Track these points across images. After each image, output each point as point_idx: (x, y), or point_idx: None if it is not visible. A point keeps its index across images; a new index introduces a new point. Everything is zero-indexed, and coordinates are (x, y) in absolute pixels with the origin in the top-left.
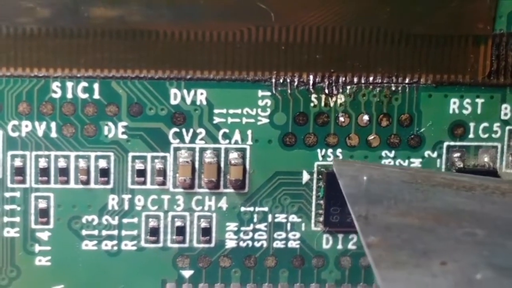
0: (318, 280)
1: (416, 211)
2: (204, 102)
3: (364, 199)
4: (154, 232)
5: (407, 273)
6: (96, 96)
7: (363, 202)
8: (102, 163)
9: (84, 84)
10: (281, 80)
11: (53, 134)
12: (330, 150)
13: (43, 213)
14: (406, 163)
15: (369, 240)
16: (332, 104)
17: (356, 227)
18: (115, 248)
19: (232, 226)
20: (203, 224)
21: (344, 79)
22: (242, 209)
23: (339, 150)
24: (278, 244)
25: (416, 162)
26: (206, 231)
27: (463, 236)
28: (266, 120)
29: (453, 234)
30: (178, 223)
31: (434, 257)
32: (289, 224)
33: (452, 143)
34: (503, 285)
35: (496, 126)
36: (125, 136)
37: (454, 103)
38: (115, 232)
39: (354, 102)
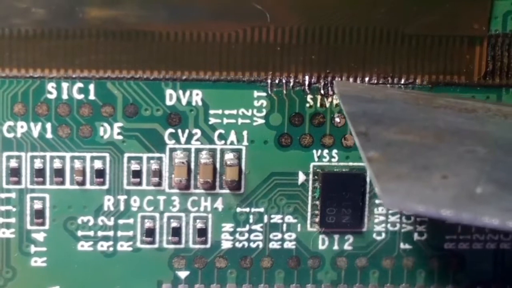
0: (314, 280)
1: (417, 130)
2: (200, 103)
3: (365, 118)
4: (149, 233)
5: (408, 185)
6: (92, 97)
7: (364, 120)
8: (98, 164)
9: (79, 85)
10: (276, 81)
11: (49, 135)
12: (326, 151)
13: (39, 214)
14: None
15: (369, 154)
16: (327, 105)
17: (357, 143)
18: (111, 249)
19: (228, 227)
20: (199, 225)
21: (340, 79)
22: (238, 210)
23: (335, 151)
24: (274, 245)
25: None
26: (202, 232)
27: (464, 153)
28: (261, 121)
29: (455, 150)
30: (174, 224)
31: (435, 171)
32: (285, 225)
33: None
34: (503, 198)
35: None
36: (120, 137)
37: None
38: (111, 233)
39: None
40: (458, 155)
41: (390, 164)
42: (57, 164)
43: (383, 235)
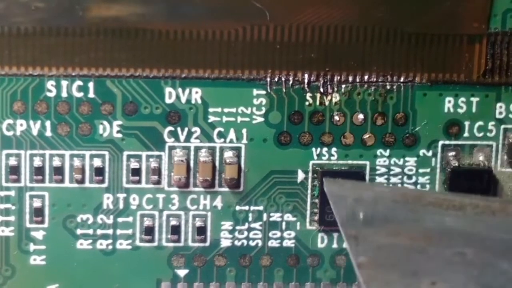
0: (313, 279)
1: (406, 231)
2: (199, 101)
3: (355, 220)
4: (149, 231)
5: None
6: (91, 95)
7: (354, 223)
8: (97, 162)
9: (79, 83)
10: (276, 79)
11: (48, 133)
12: (325, 149)
13: (38, 212)
14: (401, 162)
15: (359, 260)
16: (327, 103)
17: (347, 247)
18: (110, 247)
19: (227, 225)
20: (198, 223)
21: (339, 78)
22: (237, 208)
23: (334, 149)
24: (273, 243)
25: (411, 161)
26: (201, 230)
27: (453, 256)
28: (261, 119)
29: (443, 254)
30: (173, 222)
31: (424, 277)
32: (284, 223)
33: (447, 142)
34: None
35: (491, 125)
36: (120, 135)
37: (449, 101)
38: (110, 231)
39: (349, 101)
40: (447, 259)
41: (380, 270)
42: (56, 162)
43: None
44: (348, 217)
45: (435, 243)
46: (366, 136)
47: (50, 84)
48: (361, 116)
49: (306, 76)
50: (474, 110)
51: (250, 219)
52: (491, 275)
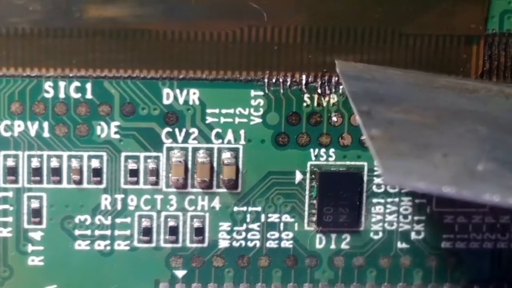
0: (311, 280)
1: (419, 109)
2: (197, 102)
3: (367, 97)
4: (147, 232)
5: (409, 163)
6: (89, 96)
7: (366, 100)
8: (95, 163)
9: (76, 84)
10: (273, 80)
11: (46, 134)
12: (323, 150)
13: (36, 213)
14: None
15: (371, 132)
16: (324, 104)
17: (358, 122)
18: (108, 248)
19: (225, 226)
20: (196, 224)
21: (336, 79)
22: (235, 209)
23: (332, 150)
24: (271, 244)
25: None
26: (199, 231)
27: (465, 132)
28: (259, 120)
29: (456, 130)
30: (171, 223)
31: (436, 150)
32: (282, 224)
33: None
34: (503, 176)
35: None
36: (117, 136)
37: None
38: (108, 232)
39: (347, 102)
40: (459, 135)
41: (392, 142)
42: (54, 163)
43: (380, 234)
44: (360, 95)
45: (448, 120)
46: (364, 137)
47: (47, 85)
48: None
49: (303, 77)
50: None
51: (248, 220)
52: (504, 150)
